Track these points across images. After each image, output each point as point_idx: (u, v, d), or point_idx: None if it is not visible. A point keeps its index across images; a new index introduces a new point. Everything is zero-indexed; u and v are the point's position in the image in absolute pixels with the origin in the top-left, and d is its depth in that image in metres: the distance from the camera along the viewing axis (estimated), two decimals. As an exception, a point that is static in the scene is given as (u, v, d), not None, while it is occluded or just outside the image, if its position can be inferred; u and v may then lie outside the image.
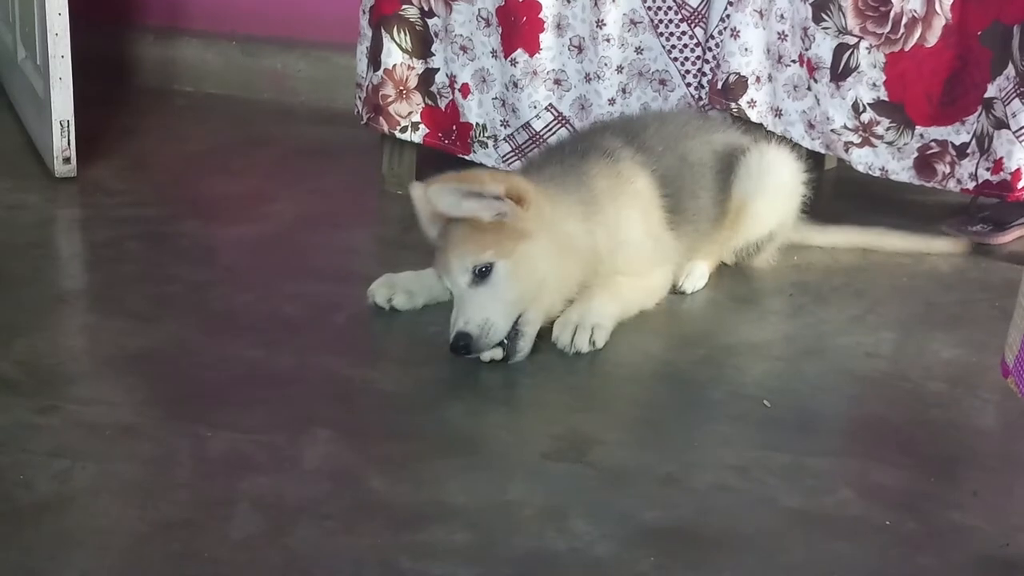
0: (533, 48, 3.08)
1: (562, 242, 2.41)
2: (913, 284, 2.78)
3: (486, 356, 2.32)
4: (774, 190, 2.75)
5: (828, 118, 2.94)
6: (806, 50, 2.91)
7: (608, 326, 2.41)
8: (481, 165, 3.17)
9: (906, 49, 2.85)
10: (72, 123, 3.25)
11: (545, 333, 2.40)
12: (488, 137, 3.20)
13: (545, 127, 3.13)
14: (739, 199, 2.73)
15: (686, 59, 3.06)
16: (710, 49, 3.01)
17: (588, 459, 2.01)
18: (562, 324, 2.39)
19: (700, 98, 3.06)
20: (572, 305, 2.43)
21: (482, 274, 2.31)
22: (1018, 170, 2.79)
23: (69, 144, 3.27)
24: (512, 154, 3.16)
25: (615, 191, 2.53)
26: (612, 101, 3.08)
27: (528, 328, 2.35)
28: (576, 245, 2.43)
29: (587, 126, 2.99)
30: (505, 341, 2.32)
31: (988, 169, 2.82)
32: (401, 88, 3.22)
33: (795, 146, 2.93)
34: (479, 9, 3.11)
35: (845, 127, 2.93)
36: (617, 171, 2.55)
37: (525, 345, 2.34)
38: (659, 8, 3.02)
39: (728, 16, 2.96)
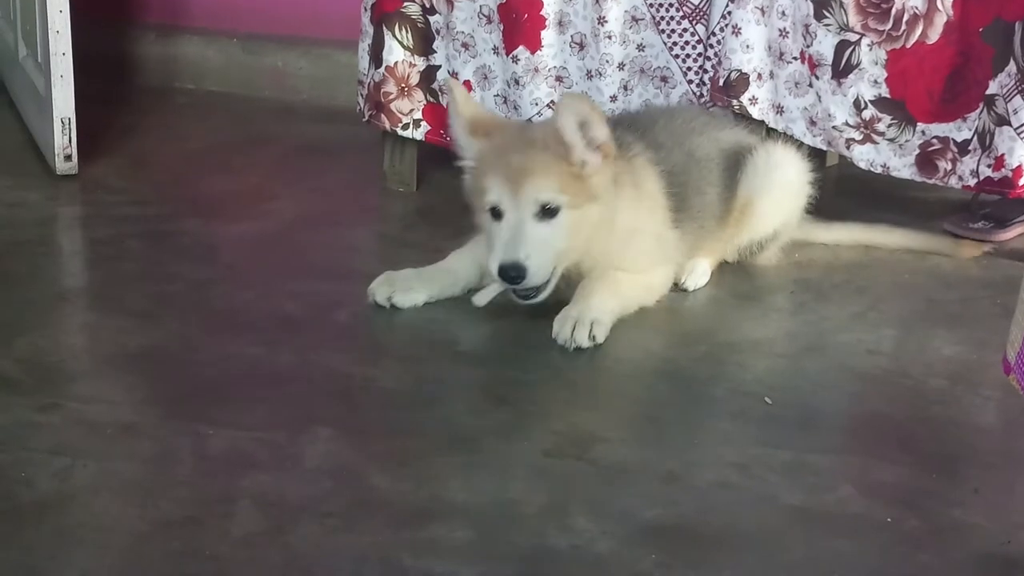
0: (535, 45, 3.08)
1: (610, 216, 2.44)
2: (914, 281, 2.78)
3: (483, 297, 2.43)
4: (781, 189, 2.75)
5: (830, 115, 2.93)
6: (807, 47, 2.91)
7: (607, 321, 2.41)
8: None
9: (908, 46, 2.84)
10: (73, 121, 3.26)
11: (545, 330, 2.39)
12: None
13: (546, 124, 3.13)
14: (745, 197, 2.73)
15: (688, 56, 3.05)
16: (711, 46, 3.01)
17: (589, 456, 2.01)
18: (561, 320, 2.39)
19: (702, 95, 3.06)
20: (572, 301, 2.43)
21: (548, 213, 2.34)
22: (1019, 167, 2.79)
23: (70, 142, 3.27)
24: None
25: (633, 181, 2.54)
26: (614, 98, 3.08)
27: (551, 283, 2.39)
28: (613, 223, 2.46)
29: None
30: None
31: (989, 166, 2.82)
32: (403, 85, 3.22)
33: (800, 144, 2.92)
34: (480, 6, 3.10)
35: (847, 124, 2.93)
36: (631, 164, 2.56)
37: (542, 296, 2.39)
38: (661, 5, 3.02)
39: (729, 13, 2.96)
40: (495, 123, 2.53)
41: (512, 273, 2.31)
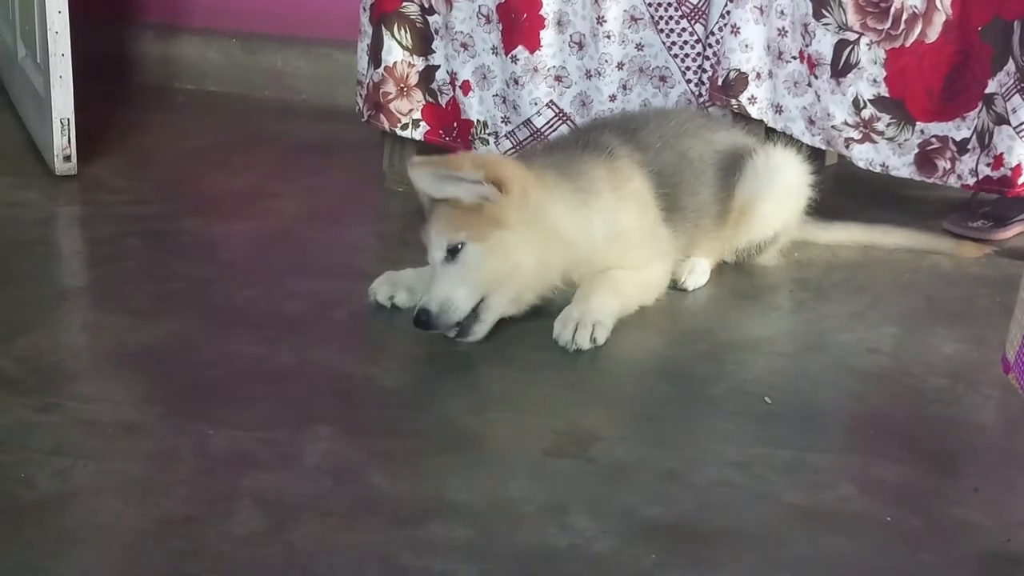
0: (534, 45, 3.08)
1: (545, 234, 2.42)
2: (914, 280, 2.78)
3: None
4: (781, 192, 2.75)
5: (829, 114, 2.94)
6: (806, 46, 2.91)
7: (609, 323, 2.41)
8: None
9: (907, 45, 2.85)
10: (72, 121, 3.26)
11: (546, 330, 2.40)
12: (489, 134, 3.20)
13: (546, 124, 3.13)
14: (745, 199, 2.73)
15: (686, 55, 3.06)
16: (710, 46, 3.01)
17: (589, 455, 2.01)
18: (563, 321, 2.39)
19: (700, 94, 3.06)
20: (572, 302, 2.44)
21: (454, 252, 2.36)
22: (1019, 166, 2.79)
23: (70, 142, 3.27)
24: (513, 151, 3.16)
25: (612, 184, 2.53)
26: (613, 97, 3.08)
27: (486, 314, 2.38)
28: (562, 236, 2.44)
29: (588, 122, 2.99)
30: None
31: (989, 165, 2.82)
32: (402, 85, 3.22)
33: (800, 145, 2.92)
34: (479, 6, 3.11)
35: (846, 123, 2.93)
36: (614, 166, 2.56)
37: (480, 329, 2.39)
38: (659, 5, 3.02)
39: (728, 12, 2.96)
40: None
41: (421, 318, 2.33)
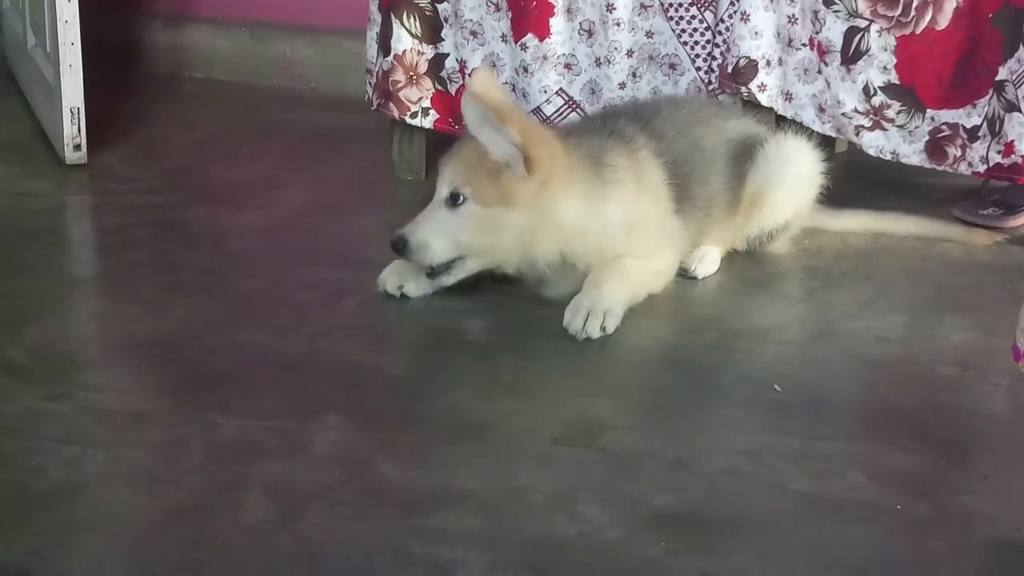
0: (543, 32, 3.08)
1: (546, 223, 2.42)
2: (923, 268, 2.77)
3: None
4: (793, 180, 2.75)
5: (839, 102, 2.93)
6: (816, 33, 2.90)
7: (619, 312, 2.41)
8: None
9: (917, 32, 2.84)
10: (82, 110, 3.26)
11: (555, 319, 2.39)
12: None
13: (556, 111, 3.13)
14: (756, 188, 2.72)
15: (696, 43, 3.05)
16: (720, 33, 3.00)
17: (598, 444, 2.01)
18: (573, 310, 2.39)
19: (710, 82, 3.05)
20: (582, 290, 2.43)
21: (455, 200, 2.39)
22: (1029, 153, 2.78)
23: (79, 131, 3.27)
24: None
25: (634, 175, 2.53)
26: (622, 85, 3.08)
27: (458, 271, 2.45)
28: (570, 227, 2.44)
29: (601, 110, 2.99)
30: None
31: (999, 152, 2.81)
32: (411, 74, 3.22)
33: (811, 133, 2.92)
34: (488, -6, 3.10)
35: (856, 111, 2.92)
36: (637, 157, 2.55)
37: (447, 280, 2.46)
38: (669, -8, 3.02)
39: (738, 0, 2.95)
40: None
41: (398, 245, 2.42)
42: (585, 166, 2.48)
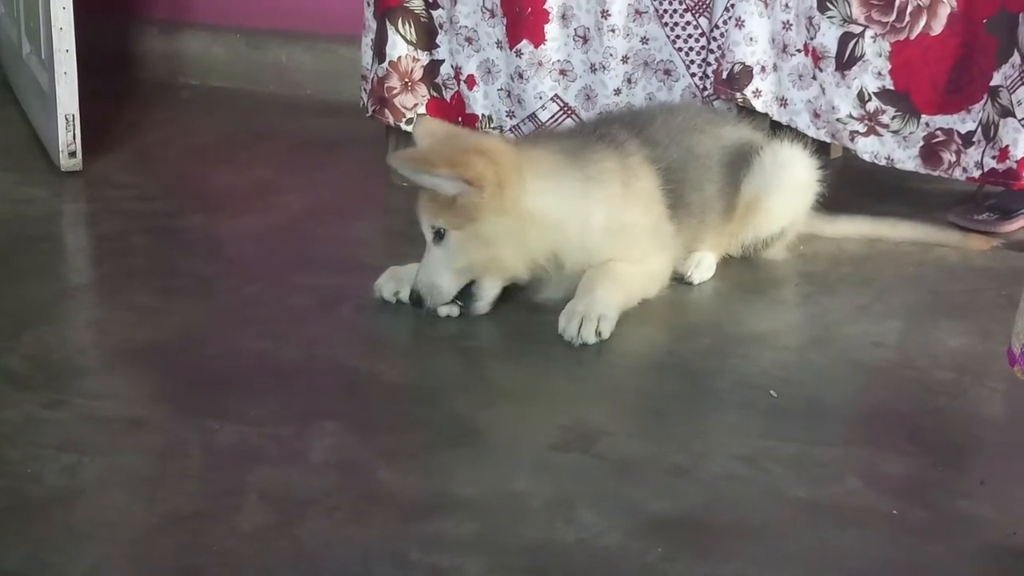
0: (538, 39, 3.08)
1: (522, 222, 2.43)
2: (920, 273, 2.78)
3: (443, 312, 2.47)
4: (789, 187, 2.75)
5: (833, 107, 2.93)
6: (811, 39, 2.91)
7: (613, 316, 2.41)
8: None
9: (911, 37, 2.84)
10: (77, 117, 3.26)
11: (551, 325, 2.40)
12: (494, 128, 3.21)
13: (551, 118, 3.13)
14: (752, 195, 2.72)
15: (691, 49, 3.06)
16: (715, 39, 3.01)
17: (595, 450, 2.01)
18: (567, 315, 2.39)
19: (705, 88, 3.06)
20: (576, 296, 2.43)
21: (439, 236, 2.43)
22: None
23: (75, 138, 3.27)
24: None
25: (622, 179, 2.54)
26: (618, 91, 3.08)
27: (482, 293, 2.46)
28: (549, 223, 2.45)
29: (595, 117, 2.99)
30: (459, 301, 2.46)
31: (994, 157, 2.82)
32: (406, 80, 3.22)
33: (806, 139, 2.92)
34: (483, 0, 3.10)
35: (850, 116, 2.93)
36: (627, 162, 2.56)
37: (480, 306, 2.47)
38: (664, -2, 3.03)
39: (733, 5, 2.96)
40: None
41: (413, 298, 2.45)
42: (555, 160, 2.50)
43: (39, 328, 2.40)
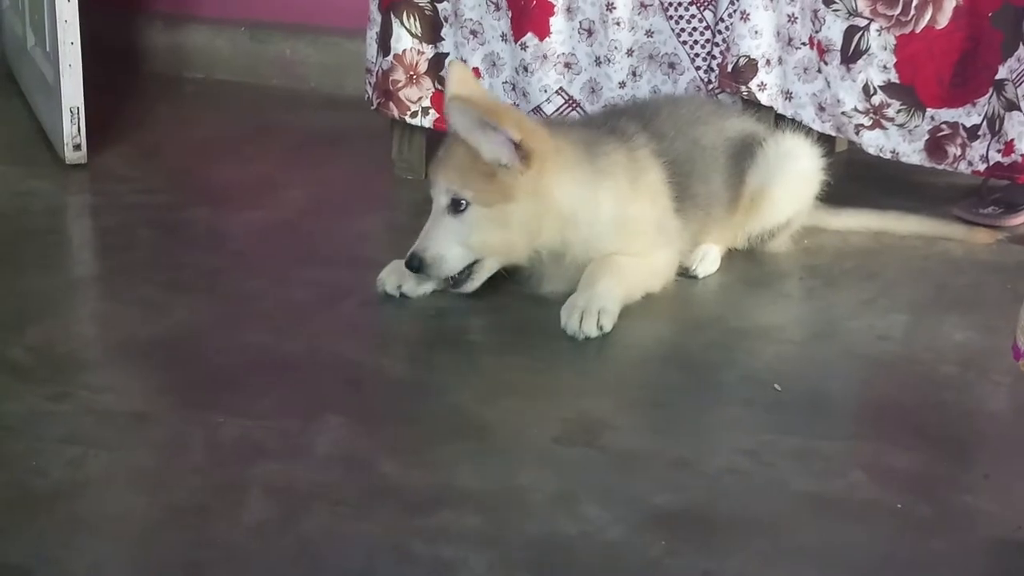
0: (543, 32, 3.08)
1: (546, 209, 2.42)
2: (925, 266, 2.77)
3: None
4: (793, 178, 2.75)
5: (838, 101, 2.93)
6: (816, 32, 2.90)
7: (614, 310, 2.40)
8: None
9: (917, 31, 2.84)
10: (82, 110, 3.26)
11: (554, 319, 2.39)
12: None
13: (556, 111, 3.13)
14: (756, 186, 2.72)
15: (695, 42, 3.05)
16: (720, 32, 3.00)
17: (599, 443, 2.01)
18: (568, 309, 2.39)
19: (710, 81, 3.05)
20: (577, 290, 2.43)
21: (458, 206, 2.38)
22: (1029, 152, 2.78)
23: (79, 131, 3.27)
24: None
25: (629, 172, 2.53)
26: (622, 84, 3.08)
27: (480, 273, 2.45)
28: (563, 213, 2.44)
29: (601, 109, 2.99)
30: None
31: (999, 151, 2.81)
32: (411, 73, 3.22)
33: (809, 131, 2.91)
34: (488, -7, 3.10)
35: (856, 109, 2.92)
36: (635, 156, 2.56)
37: (471, 285, 2.45)
38: (669, -9, 3.02)
39: (738, -1, 2.95)
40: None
41: (413, 263, 2.41)
42: (575, 150, 2.48)
43: (43, 321, 2.41)
